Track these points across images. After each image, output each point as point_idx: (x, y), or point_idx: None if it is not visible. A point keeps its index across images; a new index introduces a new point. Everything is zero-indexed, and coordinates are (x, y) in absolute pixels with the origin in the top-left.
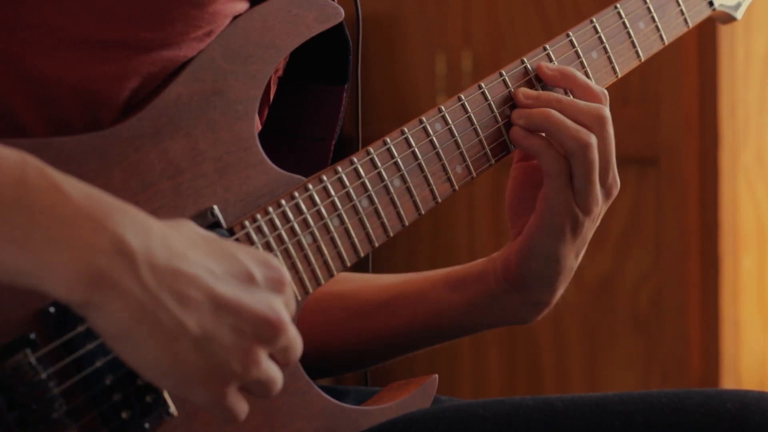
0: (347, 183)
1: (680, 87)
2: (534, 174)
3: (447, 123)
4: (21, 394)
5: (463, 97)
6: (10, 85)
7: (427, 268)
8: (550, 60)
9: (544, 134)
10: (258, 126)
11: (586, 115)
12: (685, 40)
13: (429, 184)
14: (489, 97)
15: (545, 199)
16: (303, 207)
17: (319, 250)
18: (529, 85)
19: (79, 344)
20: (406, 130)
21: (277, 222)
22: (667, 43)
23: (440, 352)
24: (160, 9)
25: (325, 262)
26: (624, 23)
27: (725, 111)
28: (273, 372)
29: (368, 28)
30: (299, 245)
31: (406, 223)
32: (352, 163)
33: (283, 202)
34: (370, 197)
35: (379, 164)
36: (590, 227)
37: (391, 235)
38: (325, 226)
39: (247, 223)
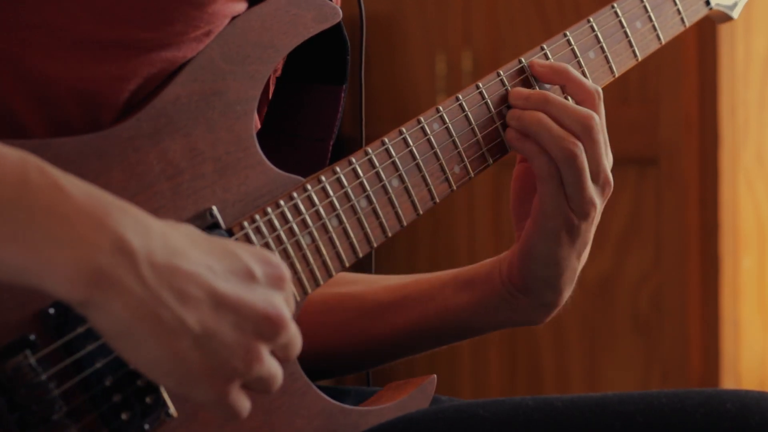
0: (345, 183)
1: (680, 87)
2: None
3: (445, 123)
4: (21, 396)
5: (460, 96)
6: (10, 85)
7: (427, 268)
8: (547, 59)
9: None
10: (257, 125)
11: (573, 120)
12: (685, 40)
13: (427, 184)
14: (486, 97)
15: (539, 203)
16: (302, 207)
17: (317, 250)
18: (526, 83)
19: (79, 345)
20: (404, 130)
21: (276, 223)
22: (664, 42)
23: (440, 352)
24: (160, 9)
25: (324, 263)
26: (621, 22)
27: (725, 111)
28: (274, 368)
29: (368, 28)
30: (298, 246)
31: (405, 223)
32: (350, 163)
33: (281, 202)
34: (368, 197)
35: (377, 164)
36: (588, 229)
37: (390, 235)
38: (324, 226)
39: (245, 223)
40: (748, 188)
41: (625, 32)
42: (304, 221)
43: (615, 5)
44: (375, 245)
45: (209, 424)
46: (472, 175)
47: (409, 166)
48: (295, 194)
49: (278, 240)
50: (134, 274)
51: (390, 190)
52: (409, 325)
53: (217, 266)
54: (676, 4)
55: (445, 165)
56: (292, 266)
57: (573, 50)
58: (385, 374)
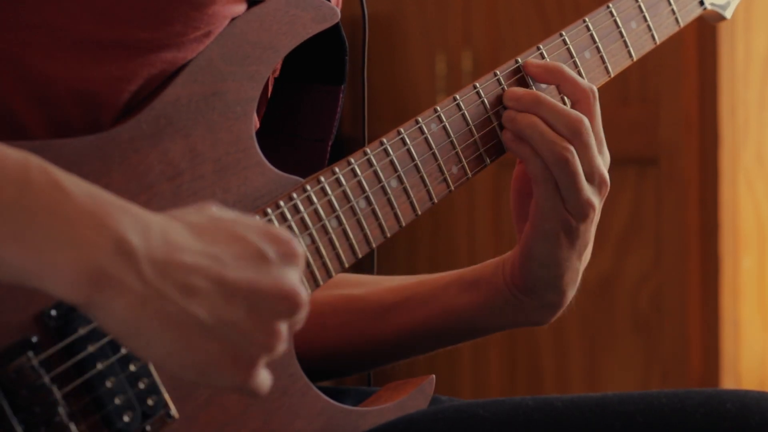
0: (345, 184)
1: (680, 87)
2: None
3: (442, 122)
4: (23, 397)
5: (458, 96)
6: (10, 85)
7: (427, 268)
8: (544, 59)
9: None
10: (256, 125)
11: (563, 123)
12: (685, 40)
13: (426, 185)
14: (483, 97)
15: (535, 206)
16: (301, 208)
17: (317, 251)
18: (523, 83)
19: (81, 347)
20: (402, 130)
21: (276, 223)
22: (658, 42)
23: (440, 353)
24: (160, 10)
25: (324, 264)
26: (616, 22)
27: (725, 111)
28: (287, 344)
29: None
30: None
31: (403, 224)
32: (349, 163)
33: (281, 203)
34: (367, 198)
35: (376, 165)
36: (588, 229)
37: (389, 235)
38: (324, 227)
39: None
40: (748, 188)
41: (621, 32)
42: (303, 222)
43: (610, 5)
44: (374, 246)
45: (210, 424)
46: (470, 175)
47: (407, 166)
48: (294, 195)
49: None
50: (134, 273)
51: (389, 191)
52: (412, 326)
53: (225, 255)
54: (670, 4)
55: (443, 165)
56: None
57: (569, 50)
58: (385, 374)
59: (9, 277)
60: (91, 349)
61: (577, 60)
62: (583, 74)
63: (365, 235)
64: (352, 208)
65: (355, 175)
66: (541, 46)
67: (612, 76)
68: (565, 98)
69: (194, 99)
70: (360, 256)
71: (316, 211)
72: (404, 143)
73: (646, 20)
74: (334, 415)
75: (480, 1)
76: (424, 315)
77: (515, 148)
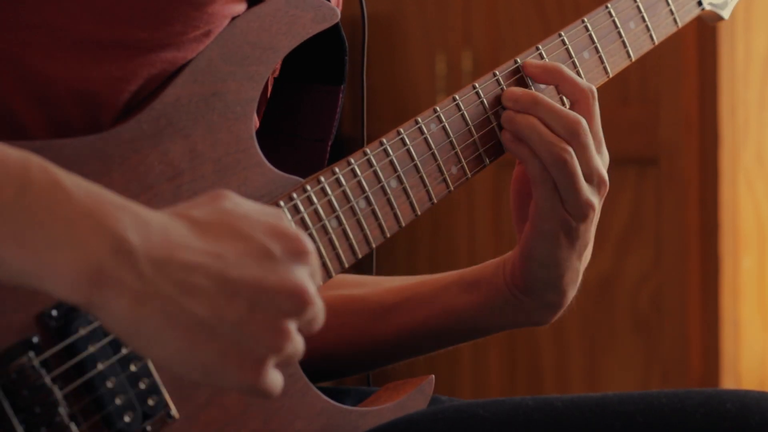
0: (345, 184)
1: (680, 87)
2: None
3: (441, 122)
4: (24, 398)
5: (457, 97)
6: (10, 85)
7: (427, 268)
8: (543, 59)
9: None
10: (256, 125)
11: (560, 125)
12: (685, 40)
13: (425, 185)
14: (482, 97)
15: (535, 206)
16: (301, 208)
17: (317, 251)
18: (522, 83)
19: (82, 347)
20: (402, 130)
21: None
22: (657, 42)
23: (440, 353)
24: (159, 9)
25: (324, 264)
26: (614, 23)
27: (725, 111)
28: (301, 344)
29: (369, 28)
30: None
31: (403, 224)
32: (349, 164)
33: (281, 203)
34: (367, 198)
35: (376, 165)
36: (588, 229)
37: (389, 236)
38: (323, 227)
39: None
40: (748, 188)
41: (619, 32)
42: (303, 222)
43: (609, 5)
44: (374, 246)
45: (210, 424)
46: (470, 175)
47: (407, 166)
48: (294, 195)
49: None
50: (134, 272)
51: (389, 191)
52: (413, 326)
53: (228, 252)
54: (668, 4)
55: (442, 165)
56: None
57: (568, 50)
58: (385, 375)
59: (9, 277)
60: (91, 349)
61: (576, 60)
62: (582, 74)
63: (365, 236)
64: (351, 208)
65: (355, 175)
66: (540, 47)
67: (611, 76)
68: (564, 98)
69: (194, 99)
70: (360, 256)
71: (316, 211)
72: (404, 143)
73: (644, 20)
74: (334, 415)
75: (480, 1)
76: (424, 315)
77: (514, 149)
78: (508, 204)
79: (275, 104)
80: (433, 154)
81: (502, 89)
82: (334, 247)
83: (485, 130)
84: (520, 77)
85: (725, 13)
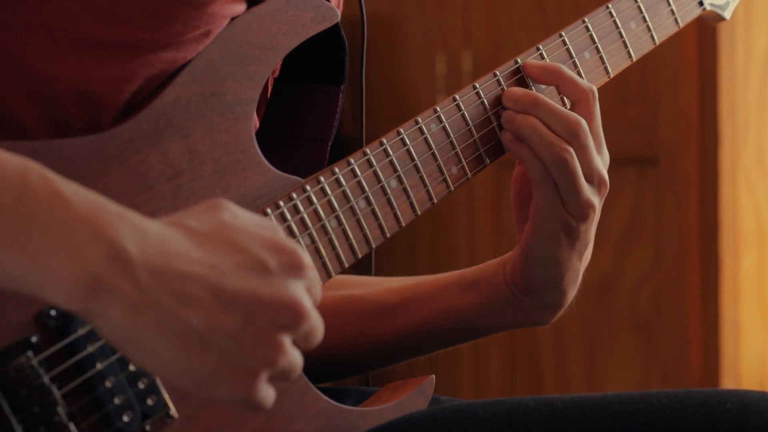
0: (344, 184)
1: (680, 87)
2: None
3: (442, 122)
4: (23, 397)
5: (458, 97)
6: (10, 85)
7: (427, 268)
8: (543, 60)
9: None
10: (255, 125)
11: (560, 125)
12: (685, 40)
13: (425, 185)
14: (483, 97)
15: (535, 207)
16: (301, 208)
17: (317, 251)
18: (522, 84)
19: (80, 347)
20: (402, 131)
21: (275, 224)
22: (658, 42)
23: (440, 353)
24: (159, 9)
25: (324, 264)
26: (615, 23)
27: (725, 111)
28: (296, 358)
29: (368, 28)
30: None
31: (403, 224)
32: (349, 164)
33: (281, 203)
34: (367, 198)
35: (375, 165)
36: (588, 229)
37: (389, 236)
38: (323, 227)
39: None
40: (748, 188)
41: (620, 33)
42: (303, 222)
43: (610, 6)
44: (374, 246)
45: (210, 425)
46: (470, 175)
47: (407, 166)
48: (294, 195)
49: None
50: (130, 281)
51: (389, 191)
52: (413, 327)
53: (224, 264)
54: (669, 4)
55: (442, 165)
56: None
57: (568, 50)
58: (385, 375)
59: (7, 283)
60: (90, 348)
61: (576, 60)
62: (583, 75)
63: (365, 236)
64: (351, 208)
65: (355, 175)
66: (541, 47)
67: (611, 76)
68: (565, 99)
69: (194, 99)
70: (360, 256)
71: (315, 211)
72: (404, 143)
73: (645, 21)
74: (334, 415)
75: (480, 1)
76: (424, 315)
77: (514, 149)
78: (508, 204)
79: (275, 104)
80: (433, 154)
81: (502, 89)
82: (333, 247)
83: (485, 131)
84: (520, 77)
85: (726, 14)
